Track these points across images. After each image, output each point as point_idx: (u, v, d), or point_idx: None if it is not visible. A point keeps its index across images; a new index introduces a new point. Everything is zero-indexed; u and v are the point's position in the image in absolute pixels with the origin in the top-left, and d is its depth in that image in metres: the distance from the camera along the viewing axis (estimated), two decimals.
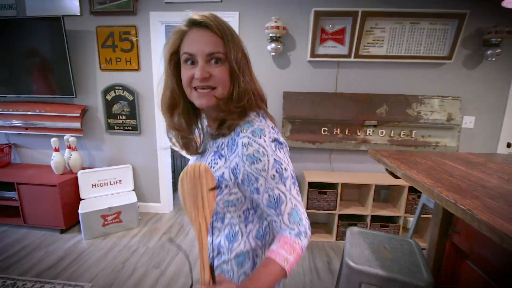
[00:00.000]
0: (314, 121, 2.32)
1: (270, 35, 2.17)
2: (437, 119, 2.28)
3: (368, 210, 2.22)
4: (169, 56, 0.59)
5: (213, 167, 0.59)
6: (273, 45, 2.19)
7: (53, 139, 2.39)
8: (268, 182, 0.54)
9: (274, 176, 0.54)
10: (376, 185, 2.17)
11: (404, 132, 2.31)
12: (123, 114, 2.57)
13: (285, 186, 0.55)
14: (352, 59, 2.23)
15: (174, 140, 0.66)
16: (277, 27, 2.12)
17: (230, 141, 0.59)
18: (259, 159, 0.53)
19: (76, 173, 2.45)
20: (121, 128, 2.61)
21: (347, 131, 2.33)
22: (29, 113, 2.56)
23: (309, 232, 0.57)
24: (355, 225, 2.25)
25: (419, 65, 2.30)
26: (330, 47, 2.24)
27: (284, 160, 0.56)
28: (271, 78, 2.39)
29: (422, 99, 2.30)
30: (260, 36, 2.29)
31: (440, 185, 0.90)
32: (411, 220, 2.50)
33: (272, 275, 0.51)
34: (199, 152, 0.67)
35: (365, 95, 2.31)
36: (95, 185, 2.51)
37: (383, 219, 2.26)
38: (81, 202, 2.40)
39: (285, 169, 0.55)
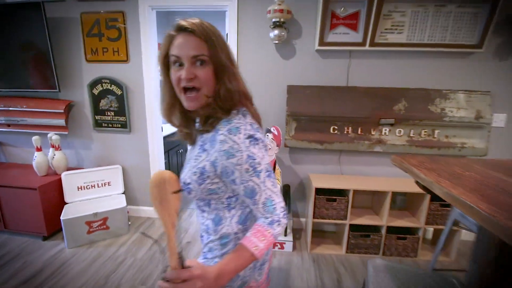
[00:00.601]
0: (322, 118, 2.06)
1: (273, 20, 1.90)
2: (464, 116, 1.99)
3: (383, 220, 1.96)
4: (162, 59, 0.65)
5: (198, 159, 0.65)
6: (276, 31, 1.92)
7: (34, 138, 2.18)
8: (242, 175, 0.60)
9: (248, 169, 0.60)
10: (392, 192, 1.90)
11: (425, 132, 2.02)
12: (111, 110, 2.34)
13: (258, 178, 0.60)
14: (366, 47, 1.94)
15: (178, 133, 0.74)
16: (281, 11, 1.84)
17: (211, 137, 0.64)
18: (234, 155, 0.59)
19: (60, 175, 2.24)
20: (110, 125, 2.38)
21: (359, 130, 2.05)
22: (10, 108, 2.35)
23: (283, 221, 0.62)
24: (368, 236, 1.99)
25: (444, 55, 2.00)
26: (341, 34, 1.96)
27: (258, 155, 0.61)
28: (273, 70, 2.12)
29: (447, 94, 2.00)
30: (262, 21, 2.02)
31: (506, 214, 0.64)
32: (431, 230, 2.23)
33: (241, 259, 0.57)
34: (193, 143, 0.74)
35: (381, 89, 2.03)
36: (81, 188, 2.30)
37: (399, 229, 1.99)
38: (65, 206, 2.19)
39: (258, 163, 0.60)
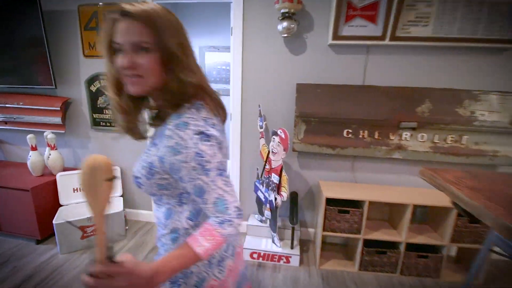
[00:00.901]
0: (335, 120, 1.86)
1: (282, 11, 1.72)
2: (497, 121, 1.76)
3: (402, 235, 1.75)
4: (107, 46, 0.60)
5: (148, 153, 0.64)
6: (285, 24, 1.74)
7: (29, 136, 2.08)
8: (190, 173, 0.57)
9: (195, 167, 0.56)
10: (414, 205, 1.69)
11: (452, 138, 1.80)
12: (110, 108, 2.22)
13: (207, 177, 0.57)
14: (386, 42, 1.73)
15: (119, 123, 0.67)
16: (291, 1, 1.66)
17: (161, 131, 0.63)
18: (180, 151, 0.56)
19: (55, 175, 2.14)
20: (108, 124, 2.27)
21: (376, 134, 1.85)
22: (7, 105, 2.26)
23: (235, 221, 0.59)
24: (384, 253, 1.79)
25: (475, 51, 1.77)
26: (358, 27, 1.75)
27: (208, 152, 0.57)
28: (281, 66, 1.94)
29: (478, 95, 1.77)
30: (269, 12, 1.84)
31: None
32: (454, 247, 2.00)
33: (184, 258, 0.55)
34: (144, 137, 0.70)
35: (402, 88, 1.81)
36: (77, 190, 2.19)
37: (419, 246, 1.77)
38: (60, 209, 2.08)
39: (207, 161, 0.57)
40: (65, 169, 2.24)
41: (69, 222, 1.92)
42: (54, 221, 1.91)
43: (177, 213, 0.67)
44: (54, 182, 2.12)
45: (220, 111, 0.68)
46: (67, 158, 2.38)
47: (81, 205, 2.17)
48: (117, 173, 2.31)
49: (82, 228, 1.99)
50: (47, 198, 2.09)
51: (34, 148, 2.11)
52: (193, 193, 0.60)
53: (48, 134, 2.13)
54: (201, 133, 0.57)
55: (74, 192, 2.18)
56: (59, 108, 2.17)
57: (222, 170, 0.59)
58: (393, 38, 1.73)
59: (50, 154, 2.15)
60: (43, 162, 2.16)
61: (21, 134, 2.41)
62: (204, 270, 0.69)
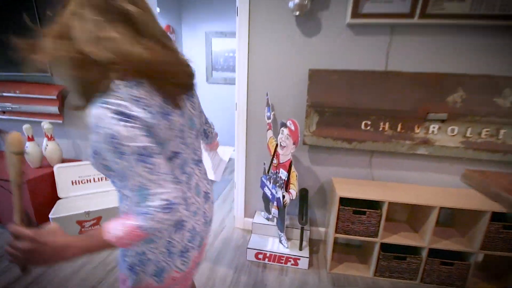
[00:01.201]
0: (352, 111, 1.67)
1: None
2: None
3: (425, 240, 1.57)
4: None
5: None
6: (297, 0, 1.53)
7: (24, 126, 1.99)
8: (108, 155, 0.54)
9: (110, 149, 0.52)
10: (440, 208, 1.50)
11: (487, 131, 1.57)
12: None
13: (122, 161, 0.53)
14: (415, 20, 1.50)
15: None
16: None
17: None
18: (95, 131, 0.53)
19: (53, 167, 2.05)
20: None
21: (399, 126, 1.64)
22: (4, 94, 2.17)
23: (158, 215, 0.53)
24: (403, 259, 1.62)
25: None
26: (382, 3, 1.52)
27: (123, 134, 0.51)
28: (292, 50, 1.73)
29: None
30: None
31: None
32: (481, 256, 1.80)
33: (93, 241, 0.55)
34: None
35: (431, 75, 1.58)
36: (75, 182, 2.10)
37: (444, 252, 1.59)
38: (58, 202, 2.00)
39: (122, 144, 0.51)
40: (63, 161, 2.15)
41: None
42: (50, 215, 1.83)
43: (127, 198, 0.64)
44: (52, 174, 2.03)
45: (167, 90, 0.60)
46: (67, 149, 2.29)
47: (80, 198, 2.08)
48: None
49: (80, 223, 1.91)
50: (45, 191, 2.00)
51: (30, 139, 2.01)
52: (122, 176, 0.57)
53: (45, 124, 2.03)
54: (120, 113, 0.51)
55: (72, 184, 2.09)
56: (55, 97, 2.06)
57: (145, 156, 0.53)
58: (423, 15, 1.49)
59: (47, 145, 2.06)
60: (41, 153, 2.07)
61: (19, 124, 2.32)
62: (163, 259, 0.66)
